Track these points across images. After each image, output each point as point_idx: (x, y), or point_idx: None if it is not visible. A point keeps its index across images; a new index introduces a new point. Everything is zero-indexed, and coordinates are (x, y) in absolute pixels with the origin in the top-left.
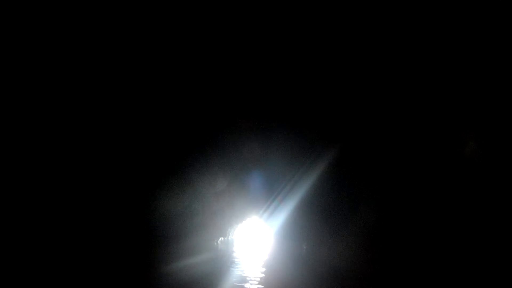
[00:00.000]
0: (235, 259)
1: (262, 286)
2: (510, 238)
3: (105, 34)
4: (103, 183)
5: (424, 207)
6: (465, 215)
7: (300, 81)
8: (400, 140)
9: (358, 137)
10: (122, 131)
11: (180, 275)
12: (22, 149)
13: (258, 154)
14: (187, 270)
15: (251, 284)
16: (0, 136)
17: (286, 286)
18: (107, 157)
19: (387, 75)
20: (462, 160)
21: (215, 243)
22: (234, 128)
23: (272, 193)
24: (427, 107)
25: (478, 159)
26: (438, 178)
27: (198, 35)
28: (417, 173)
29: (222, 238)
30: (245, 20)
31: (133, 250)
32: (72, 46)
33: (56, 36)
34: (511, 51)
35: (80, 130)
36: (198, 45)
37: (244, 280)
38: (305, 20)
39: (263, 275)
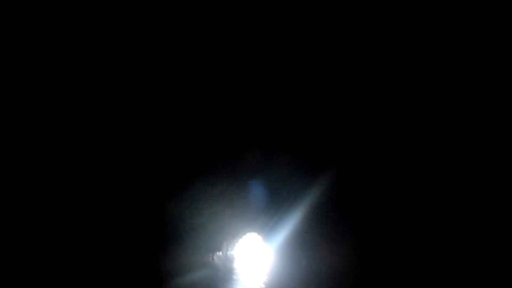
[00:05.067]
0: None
1: None
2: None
3: (124, 50)
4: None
5: (418, 211)
6: (457, 220)
7: (300, 95)
8: (393, 151)
9: (356, 152)
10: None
11: None
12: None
13: (259, 168)
14: None
15: None
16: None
17: None
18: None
19: (383, 87)
20: (454, 167)
21: (210, 258)
22: (236, 145)
23: (270, 211)
24: (420, 116)
25: (471, 166)
26: (430, 186)
27: (201, 46)
28: (411, 181)
29: (220, 253)
30: (248, 32)
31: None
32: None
33: (65, 38)
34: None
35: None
36: (201, 57)
37: None
38: (306, 34)
39: None
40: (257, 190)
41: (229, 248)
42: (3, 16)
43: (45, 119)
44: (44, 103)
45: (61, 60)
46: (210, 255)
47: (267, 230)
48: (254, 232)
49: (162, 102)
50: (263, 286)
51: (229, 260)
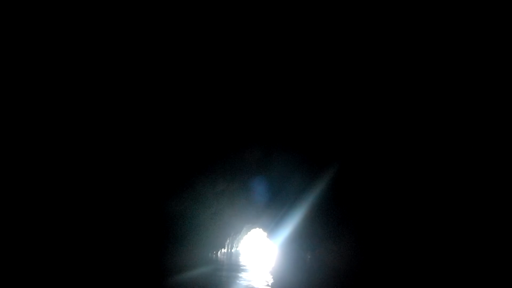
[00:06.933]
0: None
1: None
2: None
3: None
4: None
5: (416, 212)
6: (457, 220)
7: (301, 98)
8: (392, 154)
9: (356, 151)
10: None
11: None
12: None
13: (260, 167)
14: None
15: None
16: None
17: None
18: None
19: (383, 85)
20: (450, 172)
21: (213, 255)
22: (236, 145)
23: (274, 207)
24: (421, 115)
25: (470, 166)
26: (430, 186)
27: (200, 44)
28: (412, 180)
29: (223, 250)
30: (247, 35)
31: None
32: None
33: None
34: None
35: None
36: (199, 58)
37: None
38: (305, 38)
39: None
40: (258, 188)
41: (236, 244)
42: (3, 16)
43: (47, 119)
44: (45, 103)
45: (62, 60)
46: (214, 252)
47: (271, 227)
48: (259, 228)
49: (162, 102)
50: (269, 281)
51: (236, 255)
